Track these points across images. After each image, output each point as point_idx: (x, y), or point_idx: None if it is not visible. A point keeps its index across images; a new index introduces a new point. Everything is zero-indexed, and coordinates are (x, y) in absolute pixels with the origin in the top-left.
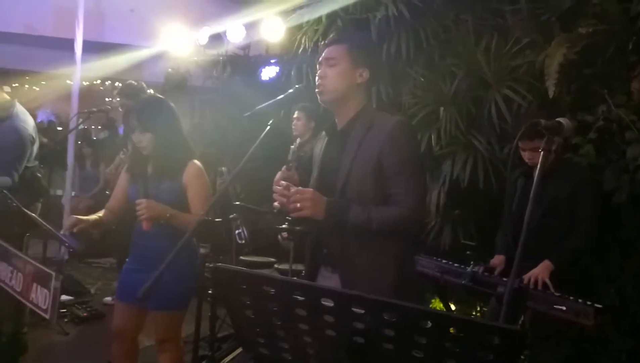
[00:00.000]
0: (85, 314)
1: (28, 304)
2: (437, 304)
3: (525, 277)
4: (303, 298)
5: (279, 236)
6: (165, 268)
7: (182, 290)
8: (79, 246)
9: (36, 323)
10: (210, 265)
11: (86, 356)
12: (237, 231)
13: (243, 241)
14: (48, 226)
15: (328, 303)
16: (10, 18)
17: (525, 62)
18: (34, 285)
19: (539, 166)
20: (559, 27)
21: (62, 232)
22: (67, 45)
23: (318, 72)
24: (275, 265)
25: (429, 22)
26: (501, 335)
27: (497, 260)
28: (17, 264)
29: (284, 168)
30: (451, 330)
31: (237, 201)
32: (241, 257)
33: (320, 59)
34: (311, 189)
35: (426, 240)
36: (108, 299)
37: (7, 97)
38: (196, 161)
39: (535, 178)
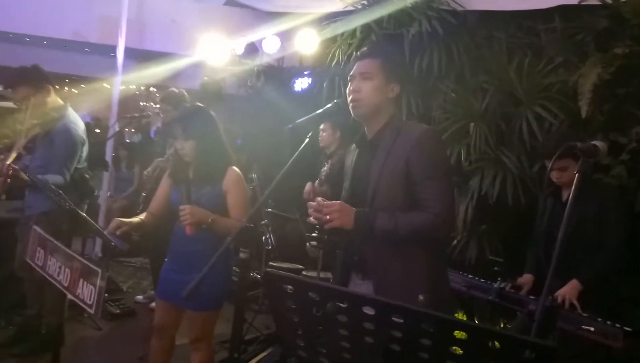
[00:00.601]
0: (118, 311)
1: (75, 299)
2: (462, 318)
3: (554, 296)
4: (346, 305)
5: (307, 244)
6: (208, 271)
7: (217, 292)
8: (124, 246)
9: (71, 317)
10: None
11: (119, 351)
12: (264, 237)
13: (270, 247)
14: (97, 226)
15: (369, 311)
16: (60, 25)
17: (558, 80)
18: (81, 280)
19: (573, 188)
20: (593, 47)
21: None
22: (109, 52)
23: (351, 85)
24: (304, 272)
25: (461, 38)
26: (536, 350)
27: (526, 279)
28: (65, 260)
29: (316, 183)
30: (488, 343)
31: (267, 209)
32: (270, 263)
33: (352, 72)
34: (339, 201)
35: (452, 254)
36: (139, 297)
37: (61, 101)
38: (235, 168)
39: (569, 199)
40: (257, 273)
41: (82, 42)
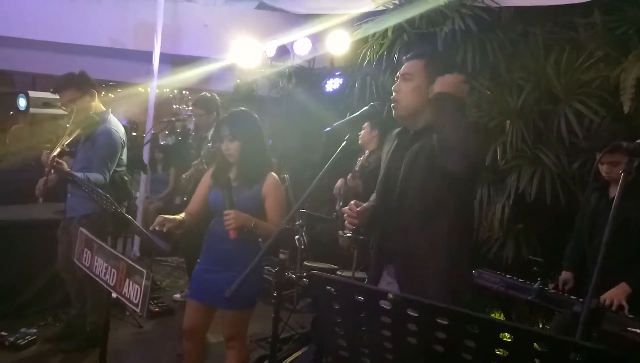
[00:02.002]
0: (157, 309)
1: (121, 298)
2: (499, 318)
3: (601, 298)
4: (390, 307)
5: (340, 239)
6: (250, 271)
7: (250, 291)
8: (166, 247)
9: (113, 315)
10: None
11: (160, 348)
12: (296, 237)
13: (302, 247)
14: (141, 227)
15: (413, 312)
16: (97, 33)
17: (598, 76)
18: (127, 280)
19: (619, 187)
20: (636, 40)
21: (150, 229)
22: (145, 57)
23: (394, 85)
24: (338, 272)
25: (496, 35)
26: (584, 353)
27: (567, 276)
28: (111, 261)
29: (348, 176)
30: (533, 344)
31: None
32: (305, 263)
33: (399, 72)
34: (369, 209)
35: (488, 254)
36: (177, 296)
37: (103, 107)
38: (274, 174)
39: (615, 199)
40: (292, 273)
41: (119, 49)
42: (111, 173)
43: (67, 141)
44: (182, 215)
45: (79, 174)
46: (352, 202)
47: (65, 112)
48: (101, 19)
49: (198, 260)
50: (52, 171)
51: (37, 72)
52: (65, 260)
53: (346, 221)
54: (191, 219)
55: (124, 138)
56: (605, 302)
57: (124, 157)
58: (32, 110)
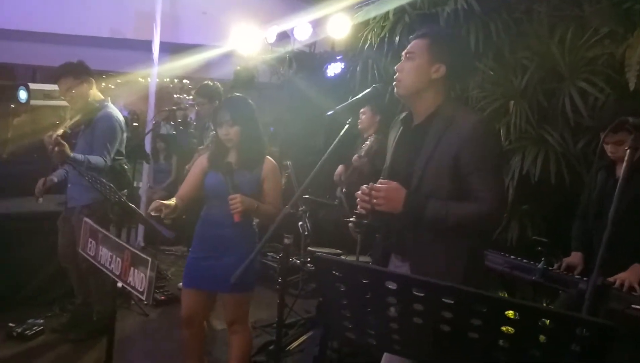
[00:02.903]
0: (163, 297)
1: (127, 286)
2: None
3: (612, 279)
4: (395, 287)
5: (350, 225)
6: (255, 255)
7: (248, 274)
8: (171, 235)
9: (119, 304)
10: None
11: (166, 336)
12: (299, 223)
13: (306, 233)
14: (145, 217)
15: (419, 292)
16: (98, 23)
17: (603, 53)
18: (132, 269)
19: (624, 164)
20: None
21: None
22: (145, 46)
23: (397, 64)
24: (342, 257)
25: (499, 14)
26: (590, 329)
27: (576, 258)
28: (116, 250)
29: (354, 157)
30: (539, 321)
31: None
32: (309, 248)
33: (404, 51)
34: (384, 186)
35: (492, 235)
36: (181, 284)
37: (102, 96)
38: (270, 158)
39: (621, 176)
40: (297, 259)
41: (118, 39)
42: (112, 156)
43: (69, 123)
44: (173, 200)
45: (79, 156)
46: (364, 186)
47: (67, 104)
48: (100, 9)
49: (190, 249)
50: (55, 149)
51: (37, 65)
52: (65, 250)
53: (359, 205)
54: (182, 203)
55: (124, 125)
56: (615, 283)
57: (124, 145)
58: (32, 102)
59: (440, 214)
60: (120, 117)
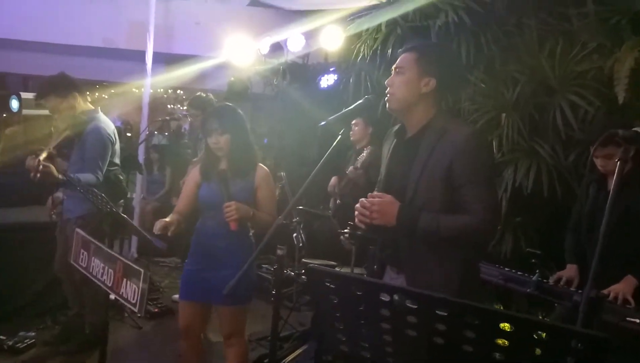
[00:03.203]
0: (156, 310)
1: (119, 298)
2: None
3: (606, 291)
4: (389, 299)
5: (342, 237)
6: (249, 267)
7: (245, 287)
8: (164, 246)
9: (112, 316)
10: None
11: (159, 349)
12: (294, 235)
13: (300, 244)
14: (138, 227)
15: (412, 304)
16: (90, 32)
17: (592, 67)
18: (124, 280)
19: (615, 175)
20: (629, 31)
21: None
22: (138, 57)
23: (387, 79)
24: (337, 269)
25: (489, 27)
26: (585, 341)
27: (571, 271)
28: (108, 261)
29: (350, 168)
30: (534, 334)
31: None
32: (303, 260)
33: (394, 65)
34: (378, 200)
35: (486, 248)
36: (176, 297)
37: (91, 106)
38: (262, 165)
39: (612, 188)
40: (291, 270)
41: (111, 49)
42: (104, 171)
43: (55, 144)
44: (173, 216)
45: (71, 176)
46: (363, 199)
47: (52, 114)
48: (93, 19)
49: (186, 261)
50: (39, 175)
51: (29, 74)
52: (61, 260)
53: (357, 219)
54: (181, 218)
55: (115, 136)
56: (610, 296)
57: (117, 155)
58: (25, 111)
59: (432, 227)
60: (111, 129)
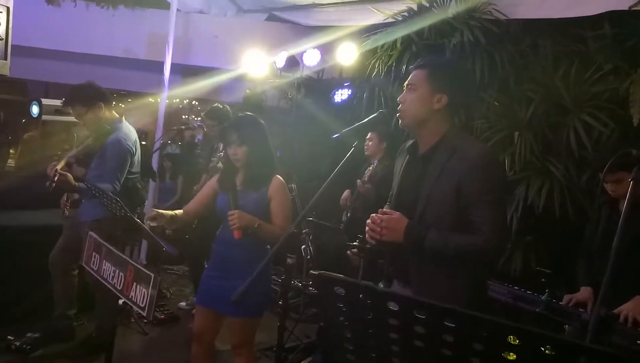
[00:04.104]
0: (163, 316)
1: (128, 302)
2: None
3: (616, 311)
4: (397, 309)
5: (349, 252)
6: (257, 276)
7: (256, 298)
8: (174, 251)
9: (118, 321)
10: (279, 279)
11: (165, 355)
12: (302, 246)
13: (308, 257)
14: (151, 232)
15: (421, 315)
16: (111, 43)
17: (607, 88)
18: (134, 284)
19: (628, 195)
20: None
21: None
22: (157, 67)
23: (400, 95)
24: None
25: (504, 47)
26: (593, 358)
27: (586, 293)
28: (119, 264)
29: (359, 182)
30: (542, 348)
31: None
32: (311, 272)
33: (406, 81)
34: (387, 217)
35: (495, 265)
36: (182, 304)
37: (116, 115)
38: (279, 176)
39: (623, 209)
40: (298, 281)
41: (131, 59)
42: (121, 181)
43: (74, 153)
44: (178, 211)
45: (85, 185)
46: (373, 215)
47: (76, 120)
48: (115, 30)
49: (206, 266)
50: (54, 183)
51: (50, 81)
52: (58, 252)
53: (367, 234)
54: (187, 217)
55: (135, 145)
56: (620, 317)
57: (136, 164)
58: (44, 117)
59: (439, 245)
60: (132, 139)
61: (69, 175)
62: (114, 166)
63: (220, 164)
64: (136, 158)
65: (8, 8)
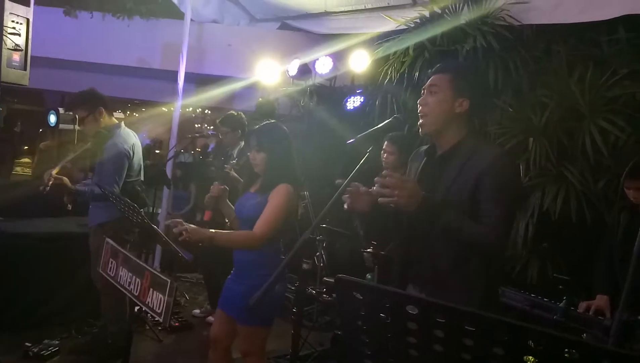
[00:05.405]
0: (177, 324)
1: (144, 307)
2: None
3: None
4: (416, 312)
5: (364, 254)
6: (273, 281)
7: (266, 308)
8: (190, 257)
9: (134, 328)
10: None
11: (179, 362)
12: (316, 254)
13: (322, 264)
14: (167, 238)
15: (440, 318)
16: (126, 53)
17: (623, 93)
18: (151, 290)
19: None
20: None
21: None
22: (171, 77)
23: (420, 99)
24: None
25: (518, 52)
26: (616, 360)
27: (602, 301)
28: (136, 270)
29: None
30: (564, 352)
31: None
32: (325, 279)
33: (425, 85)
34: (405, 181)
35: (511, 273)
36: (196, 311)
37: (115, 120)
38: (286, 184)
39: None
40: (312, 289)
41: (146, 68)
42: (120, 184)
43: (71, 157)
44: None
45: (83, 188)
46: (397, 174)
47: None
48: (130, 40)
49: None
50: (47, 188)
51: (66, 91)
52: (94, 269)
53: (377, 191)
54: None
55: (133, 149)
56: None
57: (136, 168)
58: (61, 126)
59: (454, 225)
60: (129, 143)
61: (65, 179)
62: (111, 169)
63: (233, 172)
64: (135, 161)
65: (28, 20)
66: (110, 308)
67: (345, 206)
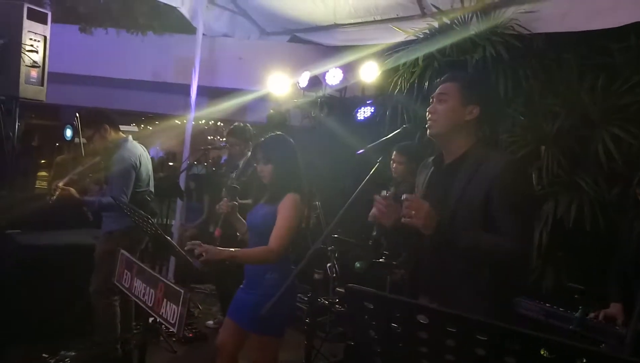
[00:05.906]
0: (191, 335)
1: (158, 318)
2: None
3: None
4: (427, 322)
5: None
6: (281, 294)
7: (277, 317)
8: (201, 266)
9: (147, 340)
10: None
11: None
12: (328, 264)
13: (334, 275)
14: (179, 248)
15: (451, 328)
16: (140, 67)
17: (635, 100)
18: (165, 301)
19: None
20: None
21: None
22: (184, 90)
23: (429, 107)
24: None
25: (528, 61)
26: None
27: (616, 309)
28: (150, 281)
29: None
30: (576, 361)
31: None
32: (337, 289)
33: (433, 94)
34: (422, 204)
35: (526, 282)
36: (210, 322)
37: (122, 135)
38: (294, 194)
39: None
40: (325, 299)
41: (159, 82)
42: (129, 194)
43: (79, 170)
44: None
45: (91, 199)
46: (414, 195)
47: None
48: (144, 55)
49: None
50: (53, 198)
51: (82, 105)
52: (95, 276)
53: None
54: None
55: (140, 160)
56: None
57: (144, 178)
58: (77, 140)
59: (471, 244)
60: (135, 154)
61: (71, 189)
62: (119, 181)
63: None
64: (143, 171)
65: (45, 37)
66: (101, 315)
67: (370, 216)
